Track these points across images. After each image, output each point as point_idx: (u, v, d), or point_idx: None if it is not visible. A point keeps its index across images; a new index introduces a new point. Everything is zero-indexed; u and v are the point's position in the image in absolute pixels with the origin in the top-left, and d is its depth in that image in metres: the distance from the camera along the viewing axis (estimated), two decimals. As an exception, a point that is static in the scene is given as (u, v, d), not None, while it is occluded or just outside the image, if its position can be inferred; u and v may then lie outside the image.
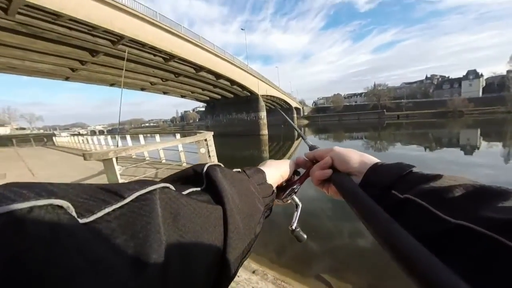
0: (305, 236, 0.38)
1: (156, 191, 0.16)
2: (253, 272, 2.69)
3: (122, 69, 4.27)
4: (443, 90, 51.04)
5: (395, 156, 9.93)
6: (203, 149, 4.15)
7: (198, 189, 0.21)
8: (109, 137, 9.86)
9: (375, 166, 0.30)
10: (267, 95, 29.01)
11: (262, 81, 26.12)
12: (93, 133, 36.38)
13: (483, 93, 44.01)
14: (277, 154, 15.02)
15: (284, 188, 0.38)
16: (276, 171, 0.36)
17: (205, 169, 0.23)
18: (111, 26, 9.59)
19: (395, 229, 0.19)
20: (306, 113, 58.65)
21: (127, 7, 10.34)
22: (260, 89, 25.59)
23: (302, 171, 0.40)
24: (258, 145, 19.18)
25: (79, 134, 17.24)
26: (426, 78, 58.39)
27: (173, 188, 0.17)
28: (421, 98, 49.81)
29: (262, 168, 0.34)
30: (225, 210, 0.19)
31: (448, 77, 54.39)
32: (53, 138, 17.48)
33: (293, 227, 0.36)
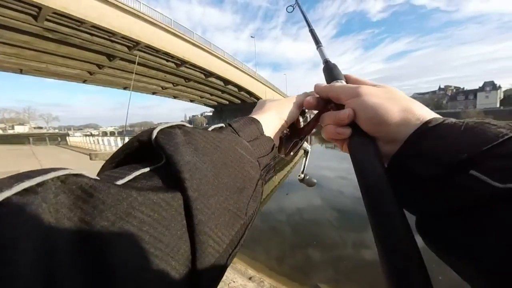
0: (315, 180, 0.32)
1: (47, 185, 0.09)
2: (250, 278, 2.65)
3: (137, 74, 4.49)
4: (457, 101, 49.47)
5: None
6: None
7: (146, 170, 0.14)
8: (118, 138, 10.21)
9: (429, 126, 0.18)
10: (274, 102, 29.19)
11: (270, 88, 26.43)
12: (104, 134, 37.75)
13: (500, 105, 42.25)
14: (282, 161, 14.85)
15: (290, 137, 0.29)
16: (276, 117, 0.26)
17: (154, 135, 0.15)
18: (129, 32, 10.17)
19: None
20: (313, 121, 59.28)
21: (146, 15, 10.97)
22: (267, 96, 25.88)
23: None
24: (264, 151, 19.13)
25: (91, 135, 17.96)
26: (440, 89, 56.95)
27: (89, 176, 0.11)
28: (434, 109, 48.09)
29: (255, 115, 0.25)
30: (187, 197, 0.13)
31: (463, 88, 52.88)
32: (67, 138, 18.33)
33: (302, 176, 0.32)
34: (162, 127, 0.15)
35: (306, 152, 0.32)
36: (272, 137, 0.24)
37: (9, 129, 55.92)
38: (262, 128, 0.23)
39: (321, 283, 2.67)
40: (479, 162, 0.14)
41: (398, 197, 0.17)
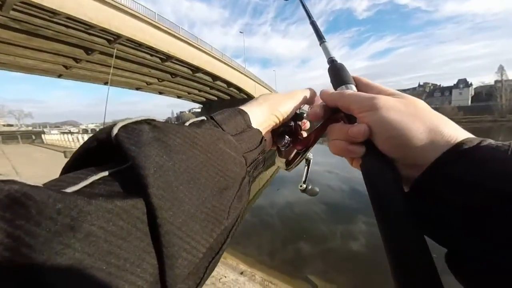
0: (318, 189, 0.30)
1: None
2: (241, 273, 2.69)
3: (118, 68, 4.27)
4: (434, 98, 52.55)
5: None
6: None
7: (106, 173, 0.12)
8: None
9: (463, 148, 0.15)
10: (263, 98, 29.23)
11: (259, 84, 26.35)
12: (85, 131, 35.60)
13: (472, 102, 45.61)
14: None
15: (281, 133, 0.26)
16: (267, 110, 0.23)
17: (114, 132, 0.12)
18: (108, 25, 9.55)
19: None
20: (302, 117, 61.08)
21: (127, 7, 10.35)
22: (257, 91, 25.79)
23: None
24: (253, 147, 19.19)
25: (70, 133, 16.87)
26: (419, 85, 60.12)
27: (24, 182, 0.09)
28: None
29: (244, 107, 0.23)
30: (151, 204, 0.11)
31: (440, 85, 56.23)
32: (42, 135, 16.99)
33: (304, 186, 0.29)
34: (126, 123, 0.13)
35: (307, 161, 0.29)
36: (261, 130, 0.22)
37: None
38: (249, 120, 0.21)
39: (311, 274, 2.80)
40: None
41: (421, 226, 0.15)
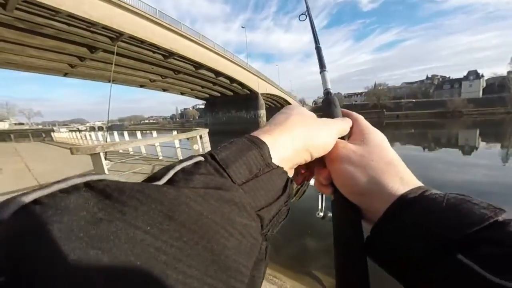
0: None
1: (76, 190, 0.09)
2: None
3: (121, 66, 4.26)
4: (443, 90, 51.01)
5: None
6: (196, 146, 4.15)
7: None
8: (107, 133, 9.89)
9: (407, 198, 0.16)
10: (267, 94, 28.99)
11: (262, 79, 26.08)
12: (92, 129, 36.44)
13: (483, 94, 43.97)
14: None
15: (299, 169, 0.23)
16: (301, 142, 0.18)
17: (6, 215, 0.07)
18: (110, 23, 9.54)
19: None
20: (306, 112, 60.52)
21: (128, 4, 10.30)
22: (260, 87, 25.54)
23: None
24: (257, 143, 19.14)
25: (77, 130, 17.26)
26: (427, 78, 58.31)
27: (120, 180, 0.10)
28: (422, 98, 49.92)
29: (263, 134, 0.17)
30: None
31: (449, 77, 54.39)
32: (52, 133, 17.49)
33: (322, 214, 0.25)
34: (49, 191, 0.08)
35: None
36: (286, 170, 0.16)
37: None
38: (269, 155, 0.15)
39: (316, 270, 2.77)
40: (467, 246, 0.12)
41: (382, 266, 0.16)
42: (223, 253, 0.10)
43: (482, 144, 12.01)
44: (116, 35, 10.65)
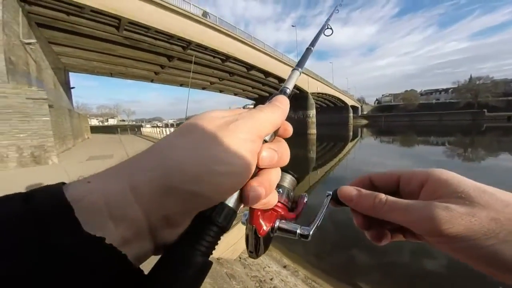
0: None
1: None
2: (284, 266, 2.66)
3: (189, 71, 5.15)
4: None
5: (500, 170, 7.55)
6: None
7: None
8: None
9: None
10: (318, 93, 27.52)
11: (313, 77, 25.00)
12: (166, 125, 45.78)
13: None
14: (326, 155, 14.04)
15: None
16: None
17: None
18: (182, 34, 11.63)
19: None
20: (365, 112, 53.57)
21: (196, 15, 12.26)
22: (310, 86, 24.57)
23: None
24: (304, 144, 18.39)
25: (156, 126, 21.85)
26: None
27: None
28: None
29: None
30: None
31: None
32: (141, 128, 23.07)
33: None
34: None
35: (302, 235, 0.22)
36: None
37: (105, 122, 79.39)
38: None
39: (362, 283, 2.54)
40: None
41: None
42: None
43: None
44: (187, 44, 12.85)
